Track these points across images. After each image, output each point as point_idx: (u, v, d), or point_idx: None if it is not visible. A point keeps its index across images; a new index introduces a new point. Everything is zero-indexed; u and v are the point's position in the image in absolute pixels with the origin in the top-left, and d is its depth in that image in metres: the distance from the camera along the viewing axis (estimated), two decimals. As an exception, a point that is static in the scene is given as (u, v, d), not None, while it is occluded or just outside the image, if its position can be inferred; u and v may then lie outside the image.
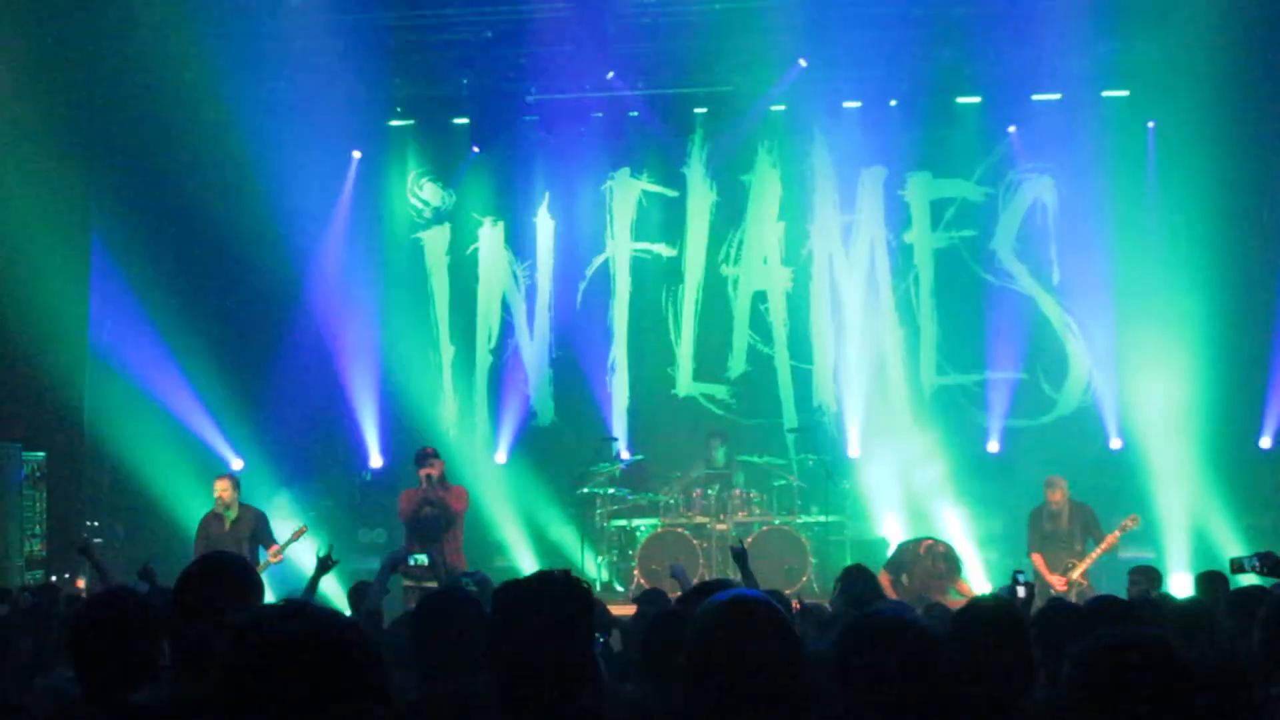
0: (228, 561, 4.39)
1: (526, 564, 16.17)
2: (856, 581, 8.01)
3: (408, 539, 12.54)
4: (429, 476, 12.55)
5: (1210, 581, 8.27)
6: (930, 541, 12.66)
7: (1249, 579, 7.77)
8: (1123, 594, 10.50)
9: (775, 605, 3.22)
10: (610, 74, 16.94)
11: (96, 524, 16.35)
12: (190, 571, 4.24)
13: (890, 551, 13.36)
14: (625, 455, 17.16)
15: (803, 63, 16.47)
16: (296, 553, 12.92)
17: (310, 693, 2.58)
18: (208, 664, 3.59)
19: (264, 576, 9.29)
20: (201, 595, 4.03)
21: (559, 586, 3.43)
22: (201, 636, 3.70)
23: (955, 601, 12.34)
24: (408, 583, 11.44)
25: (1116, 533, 13.18)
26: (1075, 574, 13.15)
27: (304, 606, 2.74)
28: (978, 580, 14.00)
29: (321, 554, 8.45)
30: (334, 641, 2.67)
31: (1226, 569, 7.91)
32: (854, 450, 17.06)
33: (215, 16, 15.33)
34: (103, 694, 3.78)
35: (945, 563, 12.49)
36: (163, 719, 3.47)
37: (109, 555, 14.47)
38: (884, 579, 12.37)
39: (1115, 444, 16.59)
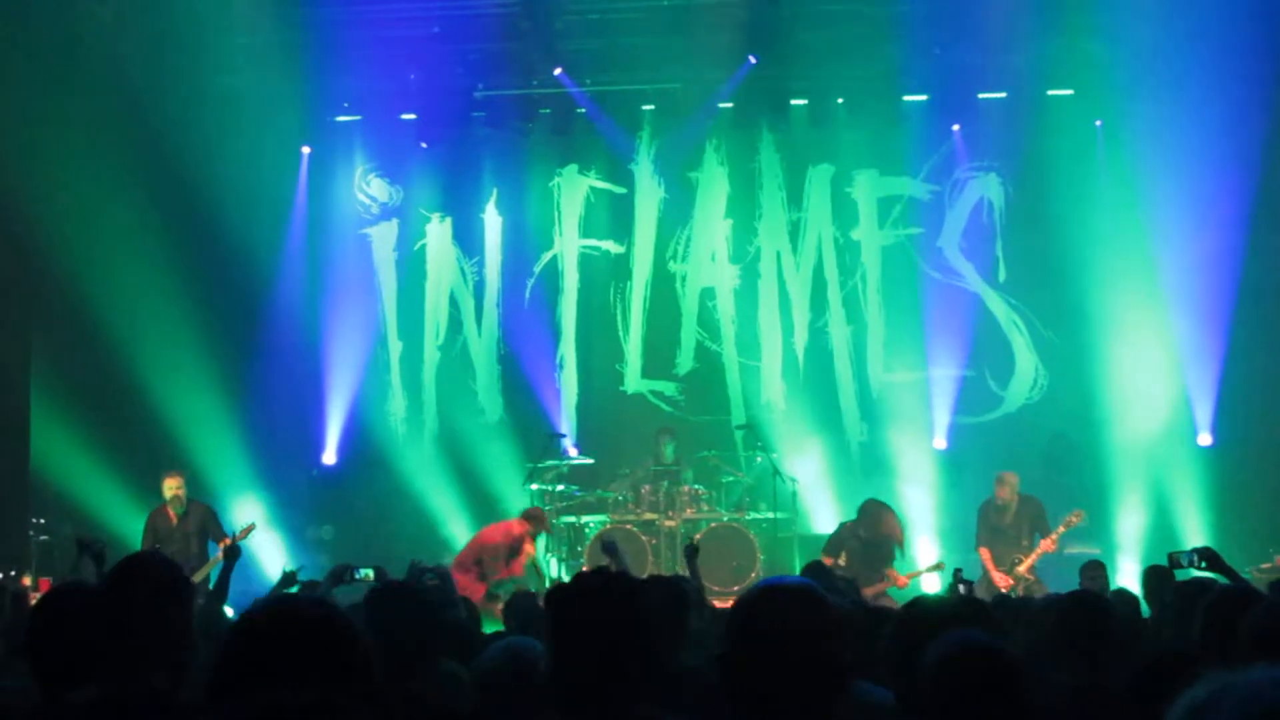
0: (147, 564, 4.23)
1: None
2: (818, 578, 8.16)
3: (481, 570, 13.42)
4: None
5: (1157, 575, 8.34)
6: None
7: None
8: (1067, 589, 10.63)
9: (813, 585, 3.20)
10: (558, 70, 16.90)
11: (43, 521, 16.16)
12: (108, 580, 4.11)
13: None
14: (573, 452, 17.15)
15: (752, 60, 16.52)
16: (247, 549, 12.81)
17: (302, 674, 2.59)
18: (143, 662, 3.59)
19: (216, 571, 9.31)
20: (121, 601, 3.94)
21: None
22: (136, 634, 3.66)
23: (881, 586, 12.56)
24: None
25: (1061, 528, 13.35)
26: (1021, 569, 13.29)
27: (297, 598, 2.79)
28: (924, 576, 14.09)
29: (289, 569, 8.44)
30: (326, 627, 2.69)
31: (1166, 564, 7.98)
32: (803, 447, 17.10)
33: (163, 10, 15.21)
34: (60, 692, 3.74)
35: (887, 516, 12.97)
36: (101, 716, 3.45)
37: (56, 553, 14.33)
38: (825, 563, 12.49)
39: (1061, 441, 16.71)
